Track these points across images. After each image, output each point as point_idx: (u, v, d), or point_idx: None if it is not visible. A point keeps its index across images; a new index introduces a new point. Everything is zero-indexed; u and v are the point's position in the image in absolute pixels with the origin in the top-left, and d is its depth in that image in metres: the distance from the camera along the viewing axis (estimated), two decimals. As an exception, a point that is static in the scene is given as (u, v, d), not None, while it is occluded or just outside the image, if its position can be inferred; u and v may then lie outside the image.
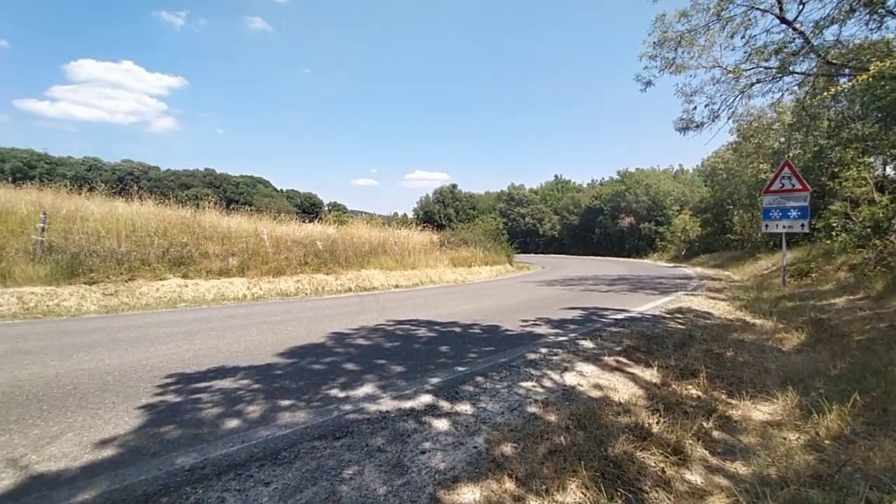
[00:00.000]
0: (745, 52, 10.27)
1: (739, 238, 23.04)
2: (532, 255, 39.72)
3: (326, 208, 76.46)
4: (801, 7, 9.13)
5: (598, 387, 3.13)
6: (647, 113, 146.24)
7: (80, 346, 4.09)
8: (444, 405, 2.72)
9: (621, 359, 3.82)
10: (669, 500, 1.79)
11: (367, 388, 3.02)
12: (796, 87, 10.91)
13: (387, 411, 2.62)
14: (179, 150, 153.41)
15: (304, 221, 15.44)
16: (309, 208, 69.69)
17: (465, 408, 2.69)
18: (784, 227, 8.79)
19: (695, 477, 1.99)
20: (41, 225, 7.50)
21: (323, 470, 1.94)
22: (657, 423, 2.39)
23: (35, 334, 4.64)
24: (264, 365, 3.55)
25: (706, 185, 34.03)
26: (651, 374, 3.44)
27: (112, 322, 5.47)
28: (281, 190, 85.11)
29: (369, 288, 10.37)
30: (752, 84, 10.72)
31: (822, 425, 2.32)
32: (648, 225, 38.18)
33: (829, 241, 10.03)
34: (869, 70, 6.26)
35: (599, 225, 43.25)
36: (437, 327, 5.25)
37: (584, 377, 3.34)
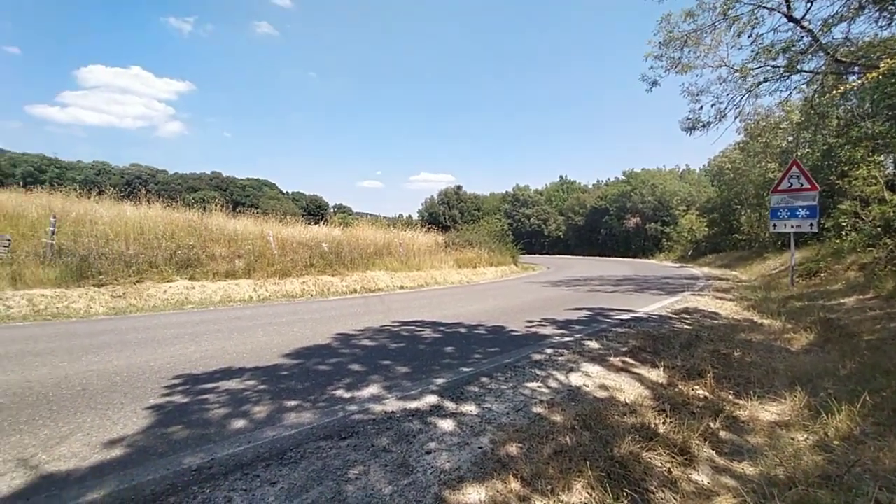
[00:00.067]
0: (752, 51, 10.22)
1: (747, 238, 22.80)
2: (537, 255, 39.60)
3: (332, 210, 76.59)
4: (808, 5, 9.09)
5: (603, 387, 3.12)
6: (650, 113, 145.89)
7: (88, 348, 4.14)
8: (450, 405, 2.73)
9: (627, 359, 3.80)
10: (676, 500, 1.77)
11: (372, 389, 3.03)
12: (804, 86, 10.80)
13: (392, 412, 2.62)
14: (187, 154, 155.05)
15: (309, 223, 15.51)
16: (314, 210, 69.89)
17: (470, 408, 2.69)
18: (792, 226, 8.71)
19: (701, 477, 1.97)
20: (51, 228, 7.62)
21: (329, 470, 1.95)
22: (663, 423, 2.37)
23: (45, 336, 4.70)
24: (270, 366, 3.58)
25: (713, 185, 33.67)
26: (657, 375, 3.41)
27: (120, 324, 5.53)
28: (287, 192, 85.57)
29: (374, 289, 10.40)
30: (760, 83, 10.64)
31: (830, 426, 2.29)
32: (654, 225, 37.90)
33: (838, 241, 9.92)
34: (879, 67, 6.21)
35: (605, 225, 43.02)
36: (442, 328, 5.26)
37: (590, 378, 3.32)
